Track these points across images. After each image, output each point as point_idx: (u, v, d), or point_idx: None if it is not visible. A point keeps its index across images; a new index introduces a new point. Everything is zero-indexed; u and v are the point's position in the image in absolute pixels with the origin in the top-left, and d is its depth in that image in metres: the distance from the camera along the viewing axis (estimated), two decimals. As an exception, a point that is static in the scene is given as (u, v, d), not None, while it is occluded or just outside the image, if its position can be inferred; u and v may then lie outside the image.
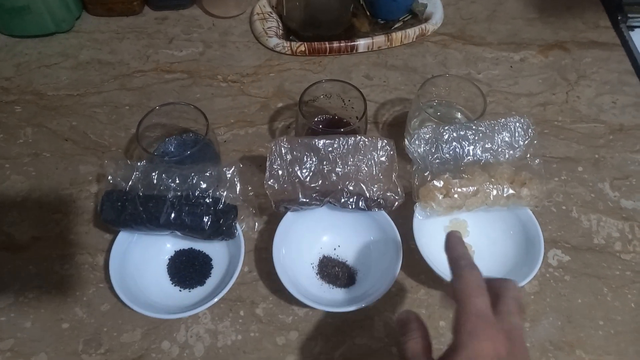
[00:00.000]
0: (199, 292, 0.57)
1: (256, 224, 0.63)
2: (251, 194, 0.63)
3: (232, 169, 0.56)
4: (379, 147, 0.58)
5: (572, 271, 0.61)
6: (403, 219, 0.60)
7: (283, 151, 0.57)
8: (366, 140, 0.58)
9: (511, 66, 0.81)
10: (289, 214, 0.58)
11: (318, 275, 0.59)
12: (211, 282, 0.58)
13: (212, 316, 0.57)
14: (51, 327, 0.56)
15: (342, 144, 0.57)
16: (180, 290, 0.57)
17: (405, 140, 0.68)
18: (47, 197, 0.65)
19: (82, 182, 0.66)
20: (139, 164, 0.56)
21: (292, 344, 0.56)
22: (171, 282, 0.58)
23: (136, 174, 0.55)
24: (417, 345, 0.40)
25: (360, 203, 0.57)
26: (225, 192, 0.56)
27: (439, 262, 0.58)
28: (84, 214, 0.64)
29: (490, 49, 0.83)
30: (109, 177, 0.56)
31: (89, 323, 0.56)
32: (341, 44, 0.80)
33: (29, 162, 0.68)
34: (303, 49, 0.80)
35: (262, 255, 0.61)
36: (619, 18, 0.86)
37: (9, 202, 0.65)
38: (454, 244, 0.43)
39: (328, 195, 0.57)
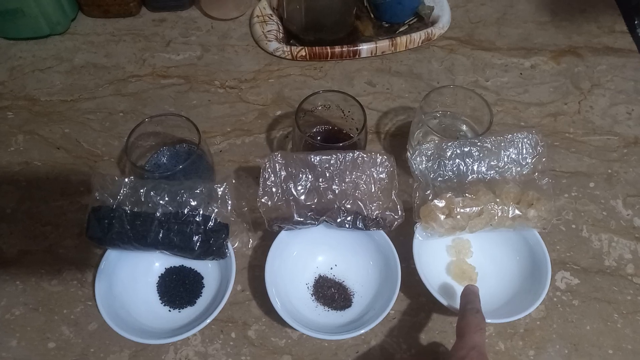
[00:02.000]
0: (189, 312, 0.55)
1: (250, 240, 0.61)
2: (245, 209, 0.60)
3: (224, 185, 0.54)
4: (378, 163, 0.55)
5: (580, 295, 0.58)
6: (404, 236, 0.58)
7: (277, 167, 0.54)
8: (365, 155, 0.55)
9: (521, 73, 0.77)
10: (282, 232, 0.56)
11: (313, 297, 0.56)
12: (202, 302, 0.56)
13: (202, 338, 0.55)
14: (37, 347, 0.54)
15: (339, 160, 0.55)
16: (169, 311, 0.55)
17: (408, 153, 0.66)
18: (37, 208, 0.63)
19: (73, 193, 0.64)
20: (126, 180, 0.53)
21: (285, 368, 0.54)
22: (160, 301, 0.56)
23: (124, 190, 0.53)
24: None
25: (358, 222, 0.55)
26: (216, 210, 0.53)
27: (439, 283, 0.56)
28: (73, 227, 0.62)
29: (499, 55, 0.79)
30: (96, 193, 0.54)
31: (76, 343, 0.55)
32: (343, 49, 0.77)
33: (20, 172, 0.66)
34: (304, 53, 0.77)
35: (256, 273, 0.59)
36: (636, 22, 0.82)
37: (-2, 213, 0.63)
38: (467, 294, 0.49)
39: (324, 214, 0.54)
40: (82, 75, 0.76)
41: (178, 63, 0.78)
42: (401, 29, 0.81)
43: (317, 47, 0.76)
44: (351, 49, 0.77)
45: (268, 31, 0.79)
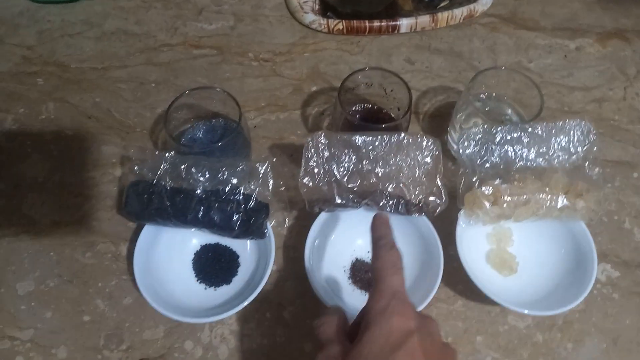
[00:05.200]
0: (224, 291, 0.55)
1: (286, 219, 0.60)
2: (282, 188, 0.59)
3: (266, 164, 0.52)
4: (424, 147, 0.54)
5: (621, 289, 0.57)
6: (442, 221, 0.56)
7: (320, 147, 0.53)
8: (410, 138, 0.53)
9: (565, 55, 0.74)
10: (322, 214, 0.55)
11: (350, 280, 0.56)
12: (238, 280, 0.55)
13: (237, 317, 0.55)
14: (72, 319, 0.54)
15: (384, 142, 0.53)
16: (205, 288, 0.55)
17: (449, 135, 0.64)
18: (68, 178, 0.62)
19: (105, 165, 0.63)
20: (167, 154, 0.52)
21: (320, 351, 0.53)
22: (196, 278, 0.55)
23: (164, 166, 0.51)
24: (330, 328, 0.39)
25: (400, 207, 0.53)
26: (257, 189, 0.52)
27: (478, 272, 0.55)
28: (106, 199, 0.61)
29: (543, 35, 0.76)
30: (135, 167, 0.53)
31: (111, 317, 0.54)
32: (382, 24, 0.74)
33: (51, 140, 0.65)
34: (341, 27, 0.74)
35: (291, 254, 0.58)
36: (689, 5, 0.79)
37: (30, 182, 0.62)
38: (377, 226, 0.43)
39: (366, 197, 0.53)
40: (112, 42, 0.74)
41: (211, 33, 0.75)
42: (442, 4, 0.78)
43: (354, 21, 0.74)
44: (390, 23, 0.74)
45: (304, 2, 0.76)
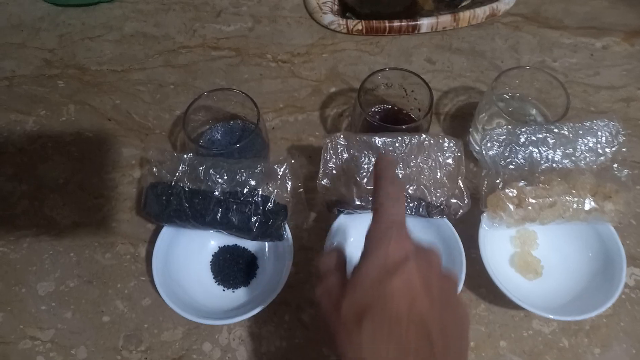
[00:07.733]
0: (243, 292, 0.54)
1: (304, 221, 0.59)
2: (300, 190, 0.58)
3: (284, 166, 0.52)
4: (445, 148, 0.53)
5: (651, 294, 0.55)
6: (464, 224, 0.55)
7: (339, 148, 0.52)
8: (431, 139, 0.52)
9: (592, 54, 0.72)
10: (342, 215, 0.54)
11: (370, 283, 0.55)
12: (256, 282, 0.55)
13: (255, 319, 0.54)
14: (92, 320, 0.54)
15: (404, 143, 0.52)
16: (223, 290, 0.54)
17: (470, 136, 0.63)
18: (89, 180, 0.63)
19: (125, 166, 0.64)
20: (185, 156, 0.52)
21: (340, 354, 0.52)
22: (214, 280, 0.55)
23: (182, 167, 0.51)
24: (330, 260, 0.39)
25: (421, 209, 0.52)
26: (275, 190, 0.52)
27: (502, 275, 0.53)
28: (126, 201, 0.61)
29: (567, 34, 0.74)
30: (154, 169, 0.52)
31: (130, 318, 0.54)
32: (402, 24, 0.73)
33: (72, 142, 0.66)
34: (360, 27, 0.73)
35: (309, 255, 0.57)
36: None
37: (51, 184, 0.62)
38: (380, 162, 0.41)
39: (386, 198, 0.52)
40: (131, 44, 0.74)
41: (229, 34, 0.75)
42: (463, 4, 0.76)
43: (374, 21, 0.73)
44: (410, 23, 0.73)
45: (323, 3, 0.75)
